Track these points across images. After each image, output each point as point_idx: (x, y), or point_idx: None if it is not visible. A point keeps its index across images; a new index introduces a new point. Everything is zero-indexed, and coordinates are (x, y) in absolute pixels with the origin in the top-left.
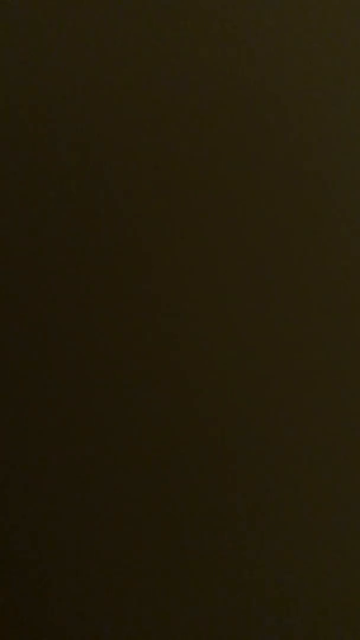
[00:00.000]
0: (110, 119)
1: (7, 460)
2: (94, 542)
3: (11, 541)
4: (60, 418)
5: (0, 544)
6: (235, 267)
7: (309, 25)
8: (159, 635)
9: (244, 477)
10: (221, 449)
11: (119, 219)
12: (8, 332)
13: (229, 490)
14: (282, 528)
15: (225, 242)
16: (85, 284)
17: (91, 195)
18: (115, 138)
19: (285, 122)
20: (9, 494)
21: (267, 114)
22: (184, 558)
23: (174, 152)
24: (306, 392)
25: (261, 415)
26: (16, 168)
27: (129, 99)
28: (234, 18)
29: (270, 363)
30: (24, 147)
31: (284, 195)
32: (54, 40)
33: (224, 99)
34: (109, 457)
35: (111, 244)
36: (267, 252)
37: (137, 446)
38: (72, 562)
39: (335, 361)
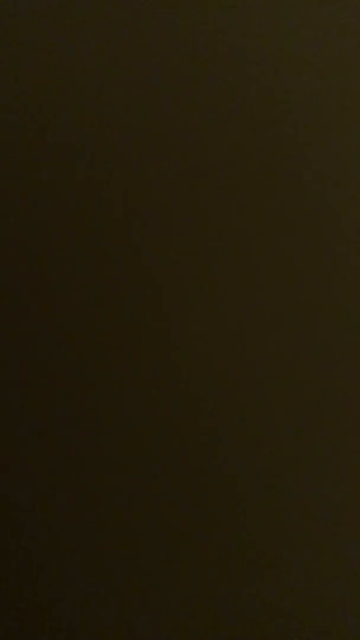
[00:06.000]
0: (108, 119)
1: (6, 462)
2: (94, 543)
3: (10, 542)
4: (60, 420)
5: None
6: (236, 269)
7: (309, 25)
8: (158, 635)
9: (244, 479)
10: (221, 452)
11: (118, 222)
12: (8, 332)
13: (228, 492)
14: (283, 530)
15: (226, 243)
16: (85, 285)
17: (91, 196)
18: (114, 138)
19: (284, 124)
20: (9, 495)
21: (266, 115)
22: (184, 560)
23: (173, 152)
24: (306, 395)
25: (261, 418)
26: (16, 170)
27: (129, 100)
28: (234, 17)
29: (270, 366)
30: (23, 148)
31: (284, 198)
32: (51, 34)
33: (224, 99)
34: (109, 459)
35: (111, 246)
36: (266, 253)
37: (137, 448)
38: (72, 564)
39: (336, 363)
